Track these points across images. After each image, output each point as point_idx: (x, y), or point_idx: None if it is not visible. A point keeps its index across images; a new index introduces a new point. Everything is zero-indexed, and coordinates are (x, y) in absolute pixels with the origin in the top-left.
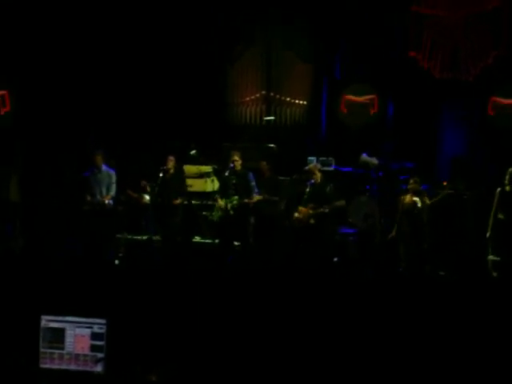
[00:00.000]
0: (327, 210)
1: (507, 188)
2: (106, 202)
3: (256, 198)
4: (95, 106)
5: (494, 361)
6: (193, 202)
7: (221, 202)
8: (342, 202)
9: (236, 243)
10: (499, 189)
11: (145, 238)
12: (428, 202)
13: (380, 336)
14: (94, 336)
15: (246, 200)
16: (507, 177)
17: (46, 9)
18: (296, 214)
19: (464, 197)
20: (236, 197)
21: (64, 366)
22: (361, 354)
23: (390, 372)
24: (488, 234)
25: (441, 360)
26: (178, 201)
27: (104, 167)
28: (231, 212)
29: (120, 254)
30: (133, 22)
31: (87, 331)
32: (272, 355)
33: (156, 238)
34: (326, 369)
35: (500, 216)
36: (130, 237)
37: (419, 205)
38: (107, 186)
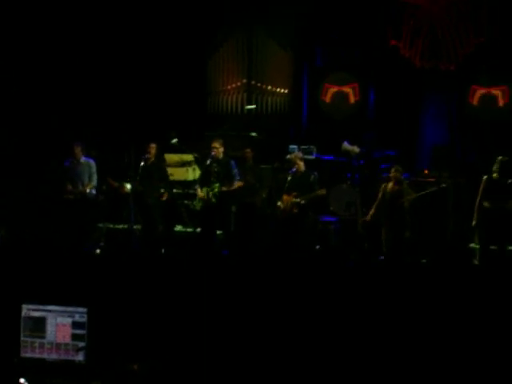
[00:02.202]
0: (303, 202)
1: (494, 176)
2: (88, 191)
3: (237, 184)
4: (76, 96)
5: (476, 348)
6: (174, 190)
7: (201, 194)
8: (322, 191)
9: (217, 232)
10: (485, 176)
11: (126, 227)
12: (411, 192)
13: (362, 324)
14: (75, 325)
15: (225, 188)
16: (496, 165)
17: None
18: (279, 203)
19: (444, 185)
20: (217, 184)
21: (45, 355)
22: (342, 343)
23: (371, 360)
24: (474, 223)
25: (422, 347)
26: (165, 197)
27: (83, 158)
28: (213, 200)
29: (101, 244)
30: (114, 12)
31: (68, 320)
32: (254, 344)
33: (137, 227)
34: (309, 359)
35: (486, 204)
36: (111, 226)
37: (404, 194)
38: (88, 176)
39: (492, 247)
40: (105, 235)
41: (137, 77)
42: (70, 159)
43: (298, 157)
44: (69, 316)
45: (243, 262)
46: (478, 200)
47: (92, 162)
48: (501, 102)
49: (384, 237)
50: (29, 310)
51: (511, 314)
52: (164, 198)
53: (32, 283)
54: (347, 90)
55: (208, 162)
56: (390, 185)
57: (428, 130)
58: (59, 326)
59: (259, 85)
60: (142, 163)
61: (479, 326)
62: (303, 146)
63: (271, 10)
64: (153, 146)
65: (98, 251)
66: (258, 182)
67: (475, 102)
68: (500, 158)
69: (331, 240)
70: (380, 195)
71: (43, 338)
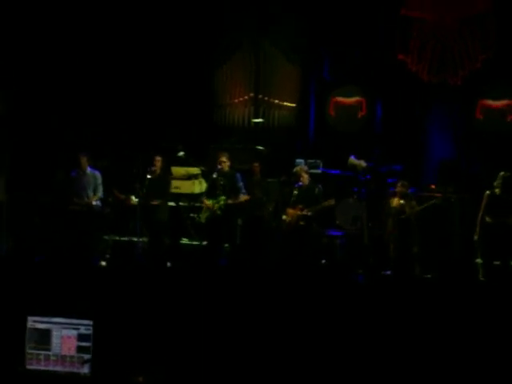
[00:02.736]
0: (310, 214)
1: (497, 191)
2: (93, 203)
3: (243, 197)
4: (83, 107)
5: (481, 362)
6: (180, 203)
7: (208, 202)
8: (330, 202)
9: (224, 245)
10: (488, 192)
11: (132, 239)
12: (415, 205)
13: (367, 338)
14: (81, 337)
15: (230, 201)
16: (499, 181)
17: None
18: (284, 217)
19: (451, 200)
20: (223, 197)
21: (50, 368)
22: (348, 357)
23: (377, 374)
24: (476, 237)
25: (427, 361)
26: (156, 202)
27: (88, 169)
28: (218, 212)
29: (107, 256)
30: (123, 22)
31: (74, 332)
32: (259, 358)
33: (143, 239)
34: (315, 374)
35: (488, 219)
36: (117, 238)
37: (407, 208)
38: (94, 187)
39: (496, 262)
40: (111, 247)
41: (144, 89)
42: (76, 170)
43: (302, 170)
44: (74, 328)
45: (249, 275)
46: (480, 215)
47: (98, 174)
48: (508, 117)
49: (391, 252)
50: (34, 322)
51: None
52: (155, 203)
53: (37, 295)
54: (354, 104)
55: (214, 175)
56: (396, 200)
57: (435, 144)
58: (64, 339)
59: (266, 98)
60: (148, 176)
61: (484, 340)
62: (310, 160)
63: (278, 24)
64: (158, 158)
65: (103, 263)
66: (264, 195)
67: (482, 116)
68: (502, 173)
69: (337, 254)
70: (386, 210)
71: (48, 350)
